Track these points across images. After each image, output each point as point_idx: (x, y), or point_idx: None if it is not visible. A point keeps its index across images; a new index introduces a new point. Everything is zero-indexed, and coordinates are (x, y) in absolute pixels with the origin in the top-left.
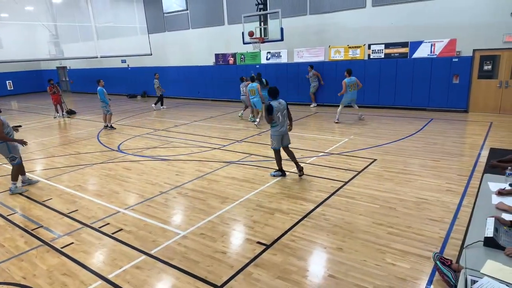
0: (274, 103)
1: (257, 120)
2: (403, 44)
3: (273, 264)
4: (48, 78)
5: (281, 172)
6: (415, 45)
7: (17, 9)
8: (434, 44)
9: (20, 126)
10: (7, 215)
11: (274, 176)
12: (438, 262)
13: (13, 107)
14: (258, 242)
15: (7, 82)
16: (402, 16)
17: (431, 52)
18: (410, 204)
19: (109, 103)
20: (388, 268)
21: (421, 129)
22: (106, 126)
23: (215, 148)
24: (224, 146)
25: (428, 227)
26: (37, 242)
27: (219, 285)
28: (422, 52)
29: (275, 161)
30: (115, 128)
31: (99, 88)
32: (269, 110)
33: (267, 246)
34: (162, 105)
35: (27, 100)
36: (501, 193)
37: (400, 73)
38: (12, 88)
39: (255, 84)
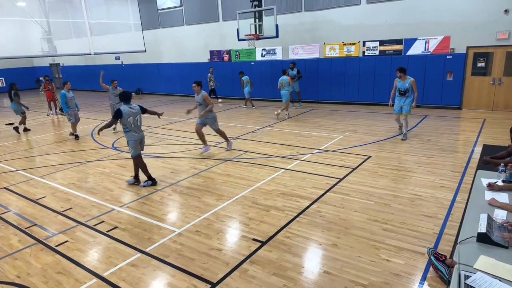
0: (124, 108)
1: (287, 112)
2: (398, 41)
3: (269, 261)
4: (44, 75)
5: (152, 181)
6: (410, 42)
7: (9, 5)
8: (428, 41)
9: (12, 123)
10: (1, 214)
11: (144, 186)
12: (432, 258)
13: (5, 104)
14: (254, 239)
15: None
16: (396, 13)
17: (425, 49)
18: (404, 200)
19: (69, 111)
20: (382, 264)
21: (415, 126)
22: (71, 134)
23: (210, 146)
24: (219, 143)
25: (422, 223)
26: (31, 240)
27: (214, 282)
28: (416, 49)
29: (269, 158)
30: (78, 138)
31: (61, 92)
32: (117, 114)
33: (263, 243)
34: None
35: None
36: (491, 185)
37: (395, 70)
38: (4, 85)
39: (286, 77)
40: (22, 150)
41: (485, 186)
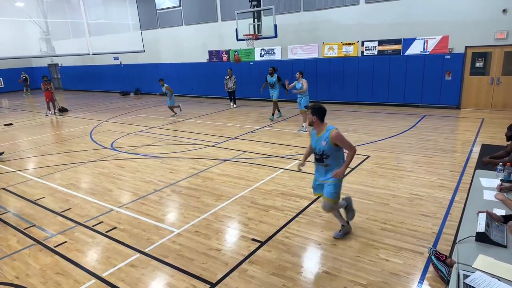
0: None
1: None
2: (396, 41)
3: (268, 261)
4: (42, 75)
5: None
6: (408, 42)
7: (7, 5)
8: (427, 41)
9: (11, 124)
10: None
11: None
12: (433, 257)
13: (3, 104)
14: (253, 239)
15: None
16: (395, 13)
17: (423, 49)
18: (403, 200)
19: None
20: (381, 264)
21: (414, 125)
22: None
23: (209, 146)
24: (218, 143)
25: (421, 222)
26: (30, 241)
27: (214, 282)
28: (415, 49)
29: (268, 158)
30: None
31: None
32: None
33: (262, 243)
34: (233, 103)
35: (18, 98)
36: (501, 188)
37: (393, 70)
38: (3, 86)
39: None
40: (21, 150)
41: (484, 186)
